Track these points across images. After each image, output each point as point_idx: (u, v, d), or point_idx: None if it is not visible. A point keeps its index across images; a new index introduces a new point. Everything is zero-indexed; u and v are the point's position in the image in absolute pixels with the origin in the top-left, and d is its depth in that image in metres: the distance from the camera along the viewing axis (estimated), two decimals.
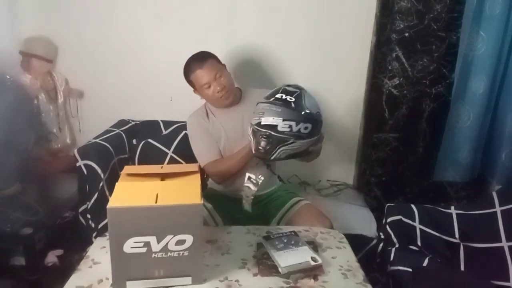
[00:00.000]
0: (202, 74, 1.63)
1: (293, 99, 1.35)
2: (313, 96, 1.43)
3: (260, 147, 1.36)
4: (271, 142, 1.34)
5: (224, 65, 1.72)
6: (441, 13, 2.04)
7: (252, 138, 1.40)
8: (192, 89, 1.72)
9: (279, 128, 1.32)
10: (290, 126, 1.32)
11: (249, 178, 1.45)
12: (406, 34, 2.09)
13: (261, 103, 1.39)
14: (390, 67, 2.15)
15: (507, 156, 1.94)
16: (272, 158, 1.36)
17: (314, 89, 2.14)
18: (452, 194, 2.30)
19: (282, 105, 1.34)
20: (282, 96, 1.36)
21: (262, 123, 1.35)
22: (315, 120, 1.38)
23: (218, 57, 1.71)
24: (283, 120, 1.32)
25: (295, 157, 1.44)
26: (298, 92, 1.38)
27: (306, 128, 1.34)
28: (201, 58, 1.66)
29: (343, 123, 2.23)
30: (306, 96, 1.39)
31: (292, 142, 1.33)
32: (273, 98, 1.37)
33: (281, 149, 1.34)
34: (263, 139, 1.34)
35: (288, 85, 1.42)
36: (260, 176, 1.45)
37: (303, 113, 1.35)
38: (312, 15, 2.07)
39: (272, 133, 1.33)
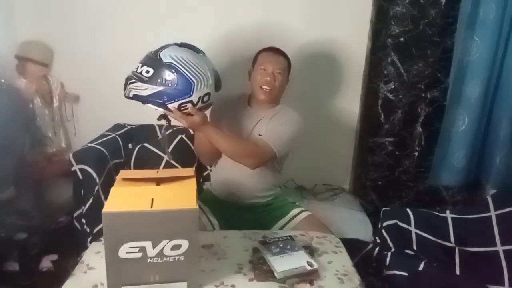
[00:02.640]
0: (270, 59, 1.69)
1: (158, 47, 1.44)
2: (190, 54, 1.43)
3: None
4: (126, 80, 1.45)
5: (288, 79, 1.77)
6: (436, 19, 2.06)
7: None
8: None
9: (133, 68, 1.44)
10: (137, 67, 1.42)
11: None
12: (402, 39, 2.11)
13: None
14: (385, 72, 2.16)
15: (502, 160, 1.95)
16: (125, 94, 1.45)
17: (311, 93, 2.18)
18: (448, 198, 2.31)
19: (147, 53, 1.46)
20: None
21: None
22: (158, 69, 1.39)
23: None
24: (139, 62, 1.44)
25: (145, 102, 1.43)
26: (166, 45, 1.45)
27: (147, 72, 1.40)
28: (281, 52, 1.73)
29: (339, 128, 2.24)
30: (173, 48, 1.44)
31: (134, 81, 1.41)
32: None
33: (128, 86, 1.43)
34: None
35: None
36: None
37: (150, 57, 1.43)
38: (308, 20, 2.08)
39: (129, 73, 1.45)
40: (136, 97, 1.42)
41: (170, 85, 1.39)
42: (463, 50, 1.94)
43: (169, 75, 1.39)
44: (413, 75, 2.15)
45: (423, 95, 2.18)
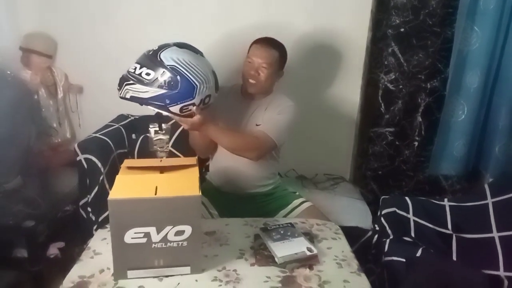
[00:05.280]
0: (257, 52, 1.67)
1: (156, 48, 1.41)
2: (191, 56, 1.41)
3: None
4: (121, 80, 1.41)
5: (282, 71, 1.75)
6: (436, 9, 2.07)
7: None
8: None
9: (129, 69, 1.40)
10: (135, 68, 1.38)
11: (156, 131, 1.52)
12: (402, 30, 2.12)
13: None
14: (386, 62, 2.18)
15: (501, 150, 1.98)
16: (120, 95, 1.41)
17: (311, 84, 2.20)
18: (447, 187, 2.34)
19: (144, 51, 1.42)
20: (154, 46, 1.43)
21: None
22: (162, 72, 1.36)
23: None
24: (136, 62, 1.40)
25: (144, 104, 1.41)
26: (165, 45, 1.41)
27: (148, 74, 1.36)
28: (271, 44, 1.69)
29: (339, 118, 2.25)
30: (173, 50, 1.40)
31: (133, 83, 1.37)
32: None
33: (125, 87, 1.39)
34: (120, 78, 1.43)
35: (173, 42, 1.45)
36: (167, 125, 1.52)
37: (149, 59, 1.39)
38: (308, 11, 2.08)
39: (125, 73, 1.41)
40: (134, 99, 1.38)
41: (172, 88, 1.36)
42: (463, 40, 1.96)
43: (171, 78, 1.36)
44: (414, 65, 2.16)
45: (423, 85, 2.20)
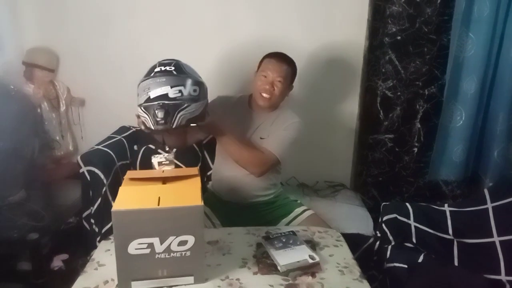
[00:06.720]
0: (273, 66, 1.67)
1: (173, 68, 1.37)
2: (189, 65, 1.46)
3: (159, 119, 1.33)
4: (168, 110, 1.32)
5: (292, 85, 1.76)
6: (431, 17, 2.10)
7: (146, 116, 1.35)
8: None
9: (171, 95, 1.32)
10: (180, 91, 1.33)
11: (160, 163, 1.42)
12: (399, 38, 2.15)
13: (142, 82, 1.38)
14: (383, 70, 2.20)
15: (499, 154, 1.99)
16: (174, 126, 1.34)
17: (310, 93, 2.22)
18: (448, 193, 2.35)
19: (165, 75, 1.35)
20: (161, 68, 1.37)
21: (151, 97, 1.33)
22: (199, 83, 1.40)
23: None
24: (171, 87, 1.33)
25: (195, 122, 1.40)
26: (175, 62, 1.40)
27: (195, 90, 1.37)
28: (285, 59, 1.70)
29: (339, 125, 2.27)
30: (183, 64, 1.42)
31: (187, 106, 1.34)
32: (152, 73, 1.37)
33: (179, 114, 1.33)
34: (158, 110, 1.32)
35: (163, 60, 1.43)
36: (171, 153, 1.45)
37: (187, 77, 1.37)
38: (306, 21, 2.11)
39: (166, 101, 1.32)
40: (189, 122, 1.36)
41: (205, 96, 1.43)
42: (458, 47, 1.98)
43: (204, 87, 1.43)
44: (411, 72, 2.19)
45: (421, 91, 2.22)
